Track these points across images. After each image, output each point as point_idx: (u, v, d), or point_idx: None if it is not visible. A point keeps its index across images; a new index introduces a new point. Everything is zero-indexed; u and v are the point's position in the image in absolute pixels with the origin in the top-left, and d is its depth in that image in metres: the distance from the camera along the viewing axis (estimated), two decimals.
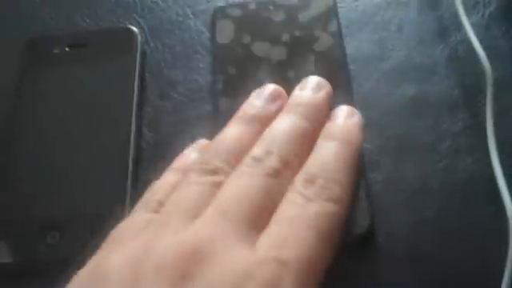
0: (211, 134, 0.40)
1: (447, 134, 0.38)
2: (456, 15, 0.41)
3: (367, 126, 0.39)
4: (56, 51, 0.43)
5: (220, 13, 0.44)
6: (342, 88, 0.39)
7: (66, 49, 0.43)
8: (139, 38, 0.44)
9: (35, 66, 0.43)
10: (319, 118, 0.34)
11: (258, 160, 0.30)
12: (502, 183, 0.35)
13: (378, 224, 0.36)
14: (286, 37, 0.42)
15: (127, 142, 0.39)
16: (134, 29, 0.44)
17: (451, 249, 0.35)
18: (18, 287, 0.36)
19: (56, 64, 0.43)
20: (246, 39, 0.42)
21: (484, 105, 0.38)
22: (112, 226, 0.35)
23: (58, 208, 0.37)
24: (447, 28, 0.42)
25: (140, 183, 0.39)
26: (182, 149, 0.40)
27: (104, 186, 0.38)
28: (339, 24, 0.42)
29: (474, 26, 0.42)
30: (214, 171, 0.30)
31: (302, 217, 0.28)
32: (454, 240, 0.35)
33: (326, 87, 0.35)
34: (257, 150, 0.31)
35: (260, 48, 0.42)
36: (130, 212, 0.37)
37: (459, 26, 0.41)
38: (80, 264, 0.35)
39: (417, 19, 0.43)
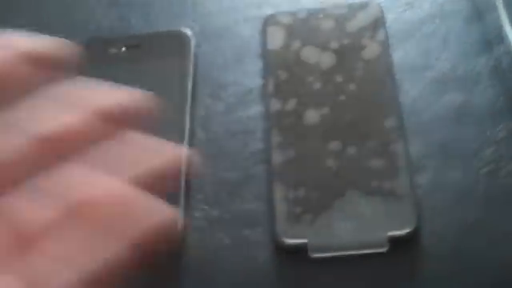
0: (260, 134, 0.42)
1: (490, 141, 0.40)
2: (500, 28, 0.43)
3: (412, 132, 0.40)
4: (112, 51, 0.45)
5: (272, 19, 0.45)
6: (388, 94, 0.41)
7: (123, 49, 0.45)
8: (192, 40, 0.45)
9: (90, 67, 0.45)
10: None
11: None
12: None
13: (422, 226, 0.37)
14: (334, 44, 0.44)
15: (181, 139, 0.41)
16: (188, 32, 0.46)
17: (494, 253, 0.36)
18: None
19: (111, 64, 0.45)
20: (296, 45, 0.44)
21: None
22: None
23: None
24: (491, 40, 0.44)
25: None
26: (232, 147, 0.41)
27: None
28: (386, 33, 0.44)
29: None
30: None
31: None
32: (497, 245, 0.36)
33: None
34: None
35: (309, 54, 0.43)
36: (184, 204, 0.38)
37: (503, 38, 0.43)
38: None
39: (462, 31, 0.44)
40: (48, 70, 0.26)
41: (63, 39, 0.27)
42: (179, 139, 0.41)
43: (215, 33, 0.47)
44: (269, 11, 0.47)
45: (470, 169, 0.39)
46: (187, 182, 0.40)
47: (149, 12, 0.49)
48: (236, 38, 0.47)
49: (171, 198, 0.38)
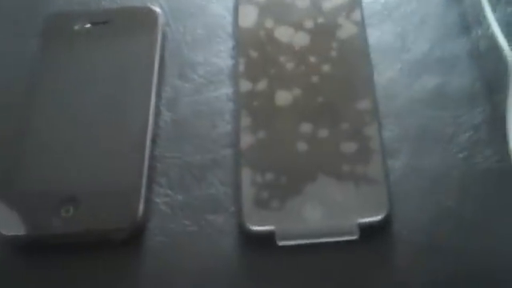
0: (229, 116, 0.40)
1: (467, 125, 0.38)
2: (479, 10, 0.41)
3: (387, 115, 0.39)
4: (77, 28, 0.43)
5: None
6: (363, 76, 0.39)
7: (87, 26, 0.43)
8: (161, 18, 0.43)
9: (55, 42, 0.43)
10: None
11: None
12: None
13: (395, 211, 0.36)
14: (308, 23, 0.42)
15: (146, 120, 0.39)
16: (157, 9, 0.44)
17: (469, 239, 0.35)
18: (30, 260, 0.36)
19: (76, 40, 0.43)
20: (269, 24, 0.42)
21: (505, 98, 0.38)
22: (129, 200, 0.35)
23: (74, 182, 0.37)
24: (470, 22, 0.42)
25: (157, 161, 0.39)
26: (199, 129, 0.40)
27: (121, 161, 0.38)
28: (362, 13, 0.42)
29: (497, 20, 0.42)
30: None
31: None
32: (473, 231, 0.35)
33: None
34: None
35: (282, 33, 0.42)
36: (145, 189, 0.37)
37: (481, 21, 0.41)
38: (93, 238, 0.36)
39: (440, 13, 0.43)
40: None
41: None
42: (144, 120, 0.39)
43: (186, 11, 0.45)
44: None
45: (446, 154, 0.38)
46: (150, 165, 0.38)
47: None
48: (207, 16, 0.45)
49: (132, 183, 0.37)
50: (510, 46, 0.40)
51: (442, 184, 0.36)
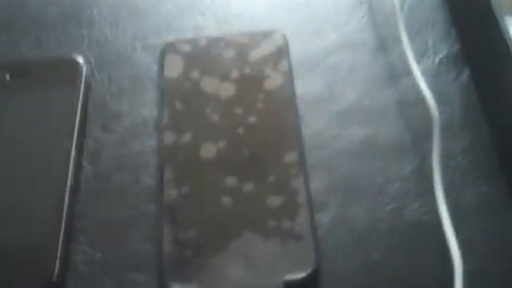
0: (154, 169, 0.39)
1: (395, 177, 0.38)
2: (406, 61, 0.41)
3: (315, 167, 0.38)
4: None
5: (170, 47, 0.43)
6: (290, 128, 0.39)
7: (7, 77, 0.42)
8: (84, 69, 0.42)
9: None
10: None
11: None
12: (449, 228, 0.34)
13: (323, 266, 0.35)
14: (235, 74, 0.41)
15: (65, 175, 0.37)
16: (80, 60, 0.42)
17: None
18: None
19: None
20: (195, 75, 0.41)
21: (432, 149, 0.37)
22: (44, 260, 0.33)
23: None
24: (397, 73, 0.42)
25: (77, 217, 0.37)
26: (122, 183, 0.38)
27: (38, 218, 0.36)
28: (290, 63, 0.42)
29: (423, 71, 0.42)
30: None
31: None
32: (400, 284, 0.34)
33: None
34: None
35: (208, 84, 0.41)
36: (62, 248, 0.35)
37: (409, 71, 0.41)
38: None
39: (367, 63, 0.43)
40: None
41: None
42: (63, 175, 0.37)
43: (111, 60, 0.44)
44: (168, 39, 0.44)
45: (374, 206, 0.37)
46: (68, 222, 0.36)
47: (41, 38, 0.45)
48: (133, 66, 0.44)
49: (48, 242, 0.35)
50: (436, 96, 0.40)
51: (370, 237, 0.36)
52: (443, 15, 0.45)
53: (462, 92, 0.41)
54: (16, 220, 0.36)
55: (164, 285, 0.34)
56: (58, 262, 0.34)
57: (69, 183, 0.37)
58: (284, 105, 0.40)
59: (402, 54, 0.43)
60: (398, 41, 0.43)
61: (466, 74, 0.42)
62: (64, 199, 0.37)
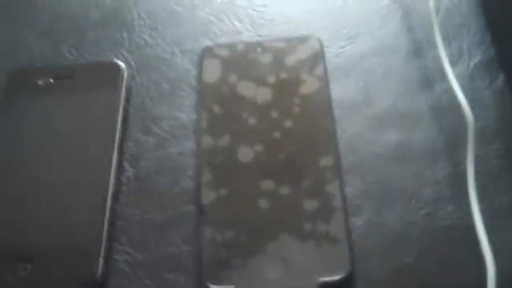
0: (192, 172, 0.40)
1: (429, 181, 0.38)
2: (441, 65, 0.42)
3: (350, 171, 0.39)
4: (40, 83, 0.43)
5: (208, 52, 0.44)
6: (326, 132, 0.39)
7: (51, 80, 0.43)
8: (125, 72, 0.43)
9: (18, 98, 0.43)
10: None
11: None
12: (482, 233, 0.35)
13: (357, 269, 0.35)
14: (271, 78, 0.42)
15: (107, 176, 0.39)
16: (121, 63, 0.44)
17: None
18: None
19: (39, 96, 0.43)
20: (232, 79, 0.42)
21: (466, 154, 0.38)
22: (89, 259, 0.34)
23: (32, 239, 0.37)
24: (432, 77, 0.43)
25: (118, 218, 0.38)
26: (161, 185, 0.39)
27: (81, 219, 0.37)
28: (326, 68, 0.42)
29: (458, 76, 0.42)
30: None
31: None
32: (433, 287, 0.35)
33: None
34: None
35: (245, 88, 0.42)
36: (105, 248, 0.36)
37: (444, 75, 0.42)
38: None
39: (402, 67, 0.43)
40: None
41: None
42: (105, 177, 0.39)
43: (150, 65, 0.45)
44: (205, 43, 0.45)
45: (408, 210, 0.37)
46: (111, 223, 0.38)
47: (83, 42, 0.47)
48: (172, 70, 0.45)
49: (92, 242, 0.36)
50: (471, 100, 0.41)
51: (404, 241, 0.36)
52: (478, 20, 0.45)
53: (497, 97, 0.41)
54: (61, 220, 0.37)
55: (202, 286, 0.35)
56: (101, 261, 0.36)
57: (111, 184, 0.38)
58: (320, 109, 0.41)
59: (437, 59, 0.43)
60: (433, 45, 0.44)
61: (500, 79, 0.42)
62: (107, 200, 0.38)
